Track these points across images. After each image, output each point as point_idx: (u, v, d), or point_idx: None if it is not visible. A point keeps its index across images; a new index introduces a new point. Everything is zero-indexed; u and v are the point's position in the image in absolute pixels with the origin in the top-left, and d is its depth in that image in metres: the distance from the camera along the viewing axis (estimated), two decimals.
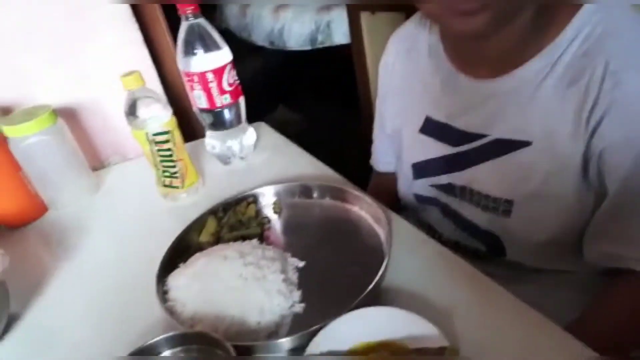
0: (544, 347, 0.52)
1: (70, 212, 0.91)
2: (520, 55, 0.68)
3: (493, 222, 0.77)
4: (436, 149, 0.81)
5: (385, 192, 0.96)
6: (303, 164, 0.93)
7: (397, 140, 0.90)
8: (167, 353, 0.54)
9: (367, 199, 0.73)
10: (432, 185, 0.84)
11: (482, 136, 0.74)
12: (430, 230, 0.91)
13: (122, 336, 0.61)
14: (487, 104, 0.73)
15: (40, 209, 0.90)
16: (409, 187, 0.90)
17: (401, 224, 0.73)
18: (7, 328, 0.66)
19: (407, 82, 0.86)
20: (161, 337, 0.54)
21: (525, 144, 0.69)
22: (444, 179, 0.82)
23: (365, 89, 1.51)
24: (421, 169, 0.86)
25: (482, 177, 0.76)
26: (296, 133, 1.17)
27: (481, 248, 0.82)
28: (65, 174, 0.90)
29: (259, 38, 2.64)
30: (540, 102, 0.67)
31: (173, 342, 0.54)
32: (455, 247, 0.83)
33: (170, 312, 0.60)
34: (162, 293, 0.63)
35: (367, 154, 1.05)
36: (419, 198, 0.89)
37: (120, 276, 0.73)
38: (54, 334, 0.66)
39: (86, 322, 0.67)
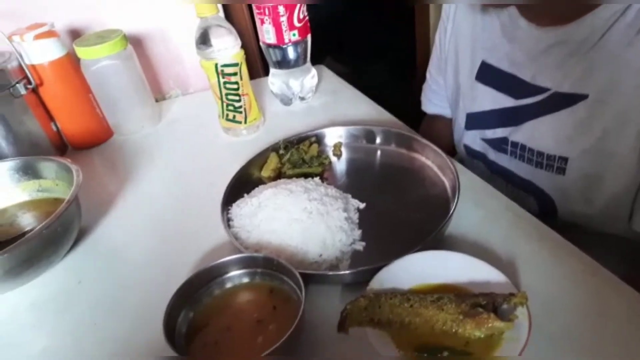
0: (611, 303, 0.51)
1: (134, 138, 0.94)
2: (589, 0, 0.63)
3: (546, 180, 0.74)
4: (495, 99, 0.77)
5: (433, 137, 0.94)
6: (365, 110, 0.92)
7: (455, 84, 0.87)
8: (233, 273, 0.56)
9: (434, 147, 0.72)
10: (483, 139, 0.81)
11: (544, 90, 0.70)
12: None
13: (187, 257, 0.63)
14: (550, 54, 0.68)
15: (106, 132, 0.93)
16: (460, 136, 0.87)
17: (466, 175, 0.71)
18: (78, 239, 0.70)
19: (466, 18, 0.82)
20: (229, 257, 0.55)
21: (582, 97, 0.65)
22: (498, 132, 0.78)
23: (424, 49, 1.44)
24: (475, 120, 0.82)
25: (538, 133, 0.73)
26: None
27: (532, 207, 0.79)
28: (131, 100, 0.92)
29: None
30: (605, 51, 0.63)
31: (240, 263, 0.55)
32: None
33: (235, 237, 0.62)
34: (227, 220, 0.65)
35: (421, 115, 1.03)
36: (468, 150, 0.86)
37: (184, 202, 0.76)
38: (120, 249, 0.69)
39: (151, 240, 0.69)
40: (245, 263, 0.56)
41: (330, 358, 0.49)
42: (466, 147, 0.86)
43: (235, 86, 0.81)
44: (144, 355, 0.51)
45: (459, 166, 0.73)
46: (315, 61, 0.95)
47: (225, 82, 0.80)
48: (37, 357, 0.54)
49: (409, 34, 1.48)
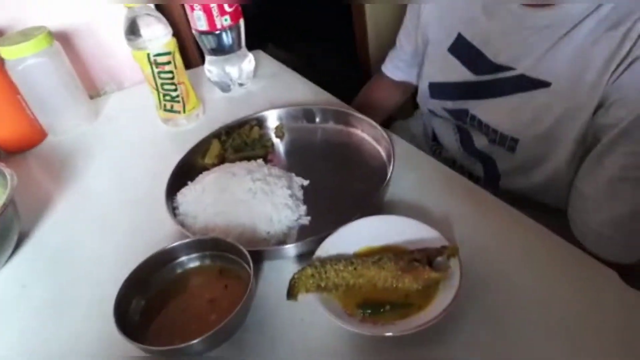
0: (540, 251, 0.56)
1: (70, 138, 0.91)
2: None
3: (497, 153, 0.79)
4: (458, 72, 0.80)
5: (379, 94, 0.98)
6: (304, 91, 0.94)
7: (420, 53, 0.89)
8: (183, 259, 0.57)
9: (370, 121, 0.75)
10: (445, 109, 0.85)
11: (508, 69, 0.72)
12: (434, 139, 0.94)
13: (135, 250, 0.62)
14: (522, 35, 0.70)
15: (39, 134, 0.90)
16: (424, 102, 0.90)
17: (401, 145, 0.75)
18: (19, 244, 0.68)
19: None
20: (177, 243, 0.56)
21: (545, 84, 0.68)
22: (458, 104, 0.81)
23: (362, 36, 1.46)
24: (438, 90, 0.85)
25: (495, 111, 0.76)
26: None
27: (478, 171, 0.85)
28: (63, 99, 0.89)
29: None
30: (572, 42, 0.65)
31: (189, 248, 0.57)
32: (452, 166, 0.86)
33: (182, 224, 0.63)
34: (172, 209, 0.65)
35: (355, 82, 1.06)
36: (433, 113, 0.89)
37: (127, 196, 0.75)
38: (64, 250, 0.68)
39: (97, 238, 0.69)
40: (194, 247, 0.57)
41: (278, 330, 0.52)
42: (431, 111, 0.89)
43: (170, 75, 0.81)
44: (96, 351, 0.51)
45: (394, 137, 0.76)
46: (256, 48, 0.95)
47: (159, 72, 0.80)
48: None
49: (346, 12, 1.51)
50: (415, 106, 0.98)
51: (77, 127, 0.92)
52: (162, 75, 0.80)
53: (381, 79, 1.03)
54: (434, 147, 0.95)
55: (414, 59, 0.94)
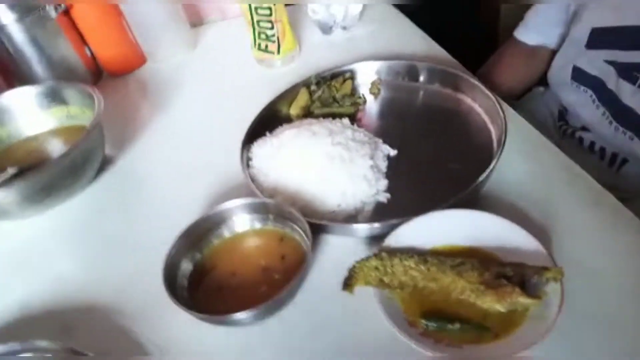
0: None
1: (168, 65, 0.90)
2: None
3: None
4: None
5: (517, 65, 0.82)
6: (414, 42, 0.82)
7: None
8: (245, 217, 0.53)
9: (484, 89, 0.62)
10: (607, 61, 0.67)
11: None
12: (560, 117, 0.79)
13: (204, 193, 0.61)
14: None
15: (140, 59, 0.91)
16: (572, 59, 0.73)
17: (519, 123, 0.62)
18: (102, 169, 0.69)
19: None
20: (239, 201, 0.52)
21: None
22: (634, 55, 0.64)
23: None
24: (605, 36, 0.68)
25: None
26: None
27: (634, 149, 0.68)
28: (165, 26, 0.87)
29: None
30: None
31: (251, 208, 0.52)
32: (590, 148, 0.72)
33: (252, 178, 0.58)
34: (247, 159, 0.61)
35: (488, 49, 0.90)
36: (578, 75, 0.72)
37: (209, 136, 0.73)
38: (142, 182, 0.69)
39: (173, 174, 0.68)
40: (256, 208, 0.53)
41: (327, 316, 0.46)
42: (577, 70, 0.72)
43: (267, 12, 0.74)
44: (145, 295, 0.50)
45: (511, 113, 0.64)
46: None
47: (256, 7, 0.73)
48: (50, 283, 0.55)
49: None
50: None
51: (175, 55, 0.91)
52: (260, 11, 0.74)
53: (514, 47, 0.86)
54: (562, 126, 0.79)
55: (562, 13, 0.76)
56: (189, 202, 0.61)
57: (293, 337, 0.46)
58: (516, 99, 0.88)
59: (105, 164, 0.70)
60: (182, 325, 0.46)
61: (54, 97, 0.72)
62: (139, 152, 0.73)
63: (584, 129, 0.74)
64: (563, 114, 0.79)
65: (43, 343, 0.45)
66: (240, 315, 0.43)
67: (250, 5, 0.73)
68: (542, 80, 0.84)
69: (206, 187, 0.62)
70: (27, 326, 0.50)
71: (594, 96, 0.70)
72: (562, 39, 0.77)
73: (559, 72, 0.76)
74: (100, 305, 0.51)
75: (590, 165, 0.67)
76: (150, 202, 0.64)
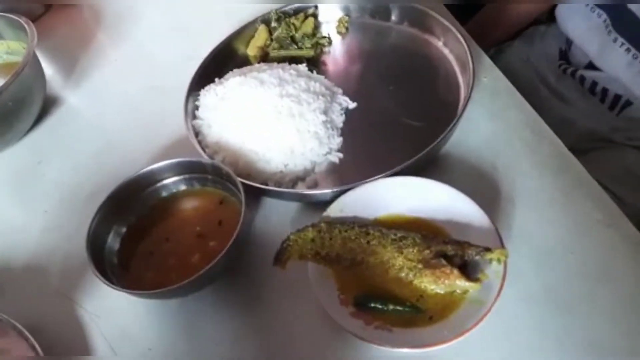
0: (622, 266, 0.41)
1: None
2: None
3: None
4: None
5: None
6: None
7: None
8: (184, 176, 0.49)
9: (457, 34, 0.56)
10: None
11: None
12: (561, 56, 0.73)
13: (149, 146, 0.58)
14: None
15: None
16: None
17: (494, 75, 0.56)
18: (45, 111, 0.64)
19: None
20: (174, 160, 0.48)
21: None
22: None
23: None
24: None
25: None
26: None
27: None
28: None
29: None
30: None
31: (186, 167, 0.49)
32: (591, 88, 0.67)
33: (196, 131, 0.54)
34: (193, 108, 0.57)
35: None
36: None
37: (157, 78, 0.67)
38: (84, 128, 0.64)
39: (117, 120, 0.63)
40: (193, 168, 0.49)
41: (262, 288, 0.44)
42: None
43: None
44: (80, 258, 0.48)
45: (487, 63, 0.58)
46: None
47: None
48: None
49: None
50: None
51: None
52: None
53: None
54: (562, 65, 0.72)
55: None
56: (132, 154, 0.57)
57: (226, 309, 0.44)
58: (514, 36, 0.81)
59: (49, 104, 0.66)
60: (113, 292, 0.44)
61: None
62: (86, 92, 0.68)
63: (588, 67, 0.68)
64: (565, 52, 0.72)
65: None
66: (166, 291, 0.40)
67: None
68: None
69: (151, 138, 0.58)
70: None
71: (607, 20, 0.63)
72: None
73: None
74: (32, 263, 0.50)
75: (588, 109, 0.61)
76: (90, 154, 0.60)
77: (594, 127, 0.67)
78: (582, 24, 0.67)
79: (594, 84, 0.67)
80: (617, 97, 0.65)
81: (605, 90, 0.66)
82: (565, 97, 0.71)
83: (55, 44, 0.74)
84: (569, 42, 0.71)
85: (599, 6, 0.63)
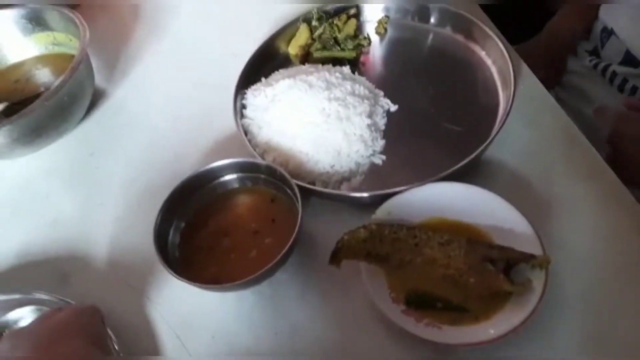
0: None
1: None
2: None
3: None
4: None
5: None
6: None
7: None
8: (236, 175, 0.52)
9: (499, 43, 0.57)
10: None
11: None
12: (593, 53, 0.74)
13: (198, 142, 0.60)
14: None
15: None
16: None
17: (532, 84, 0.58)
18: (93, 104, 0.67)
19: None
20: (229, 160, 0.51)
21: None
22: None
23: None
24: None
25: None
26: None
27: None
28: None
29: None
30: None
31: (240, 167, 0.51)
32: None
33: (245, 130, 0.57)
34: (240, 108, 0.59)
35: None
36: None
37: (203, 74, 0.69)
38: (134, 121, 0.66)
39: (166, 115, 0.65)
40: (247, 167, 0.52)
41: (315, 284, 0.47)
42: None
43: None
44: (142, 247, 0.51)
45: (526, 70, 0.59)
46: None
47: None
48: (48, 227, 0.56)
49: None
50: None
51: None
52: None
53: None
54: (592, 60, 0.74)
55: None
56: (181, 150, 0.60)
57: (282, 302, 0.47)
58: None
59: (97, 97, 0.68)
60: (176, 283, 0.47)
61: (37, 22, 0.67)
62: (131, 85, 0.70)
63: (623, 62, 0.68)
64: (597, 49, 0.74)
65: (42, 295, 0.47)
66: (232, 285, 0.44)
67: None
68: None
69: (199, 135, 0.61)
70: (27, 273, 0.52)
71: None
72: None
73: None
74: (95, 253, 0.53)
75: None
76: (141, 147, 0.62)
77: None
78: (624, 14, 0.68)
79: (624, 80, 0.68)
80: None
81: (634, 88, 0.67)
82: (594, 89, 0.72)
83: (95, 36, 0.75)
84: (607, 31, 0.71)
85: None
